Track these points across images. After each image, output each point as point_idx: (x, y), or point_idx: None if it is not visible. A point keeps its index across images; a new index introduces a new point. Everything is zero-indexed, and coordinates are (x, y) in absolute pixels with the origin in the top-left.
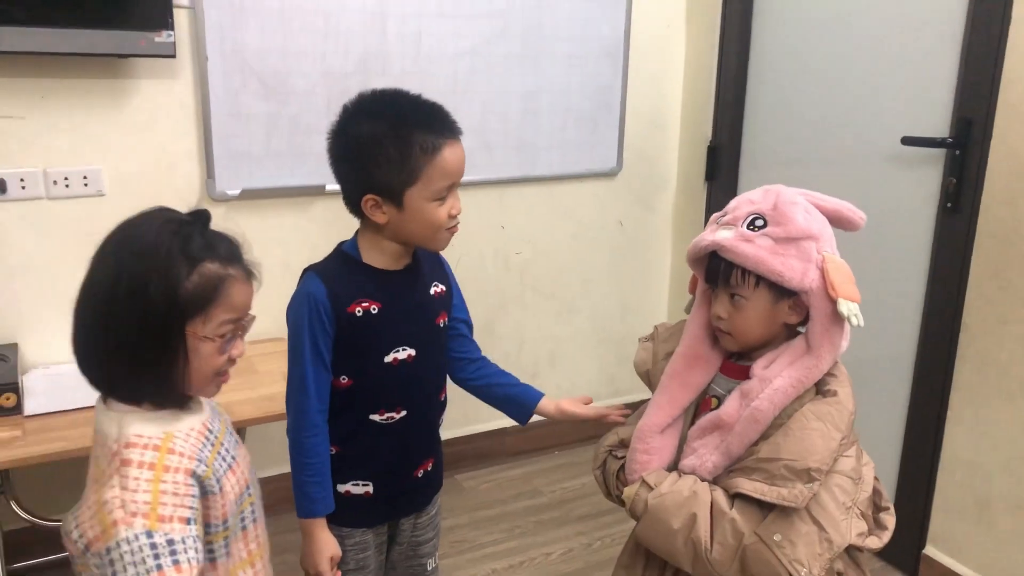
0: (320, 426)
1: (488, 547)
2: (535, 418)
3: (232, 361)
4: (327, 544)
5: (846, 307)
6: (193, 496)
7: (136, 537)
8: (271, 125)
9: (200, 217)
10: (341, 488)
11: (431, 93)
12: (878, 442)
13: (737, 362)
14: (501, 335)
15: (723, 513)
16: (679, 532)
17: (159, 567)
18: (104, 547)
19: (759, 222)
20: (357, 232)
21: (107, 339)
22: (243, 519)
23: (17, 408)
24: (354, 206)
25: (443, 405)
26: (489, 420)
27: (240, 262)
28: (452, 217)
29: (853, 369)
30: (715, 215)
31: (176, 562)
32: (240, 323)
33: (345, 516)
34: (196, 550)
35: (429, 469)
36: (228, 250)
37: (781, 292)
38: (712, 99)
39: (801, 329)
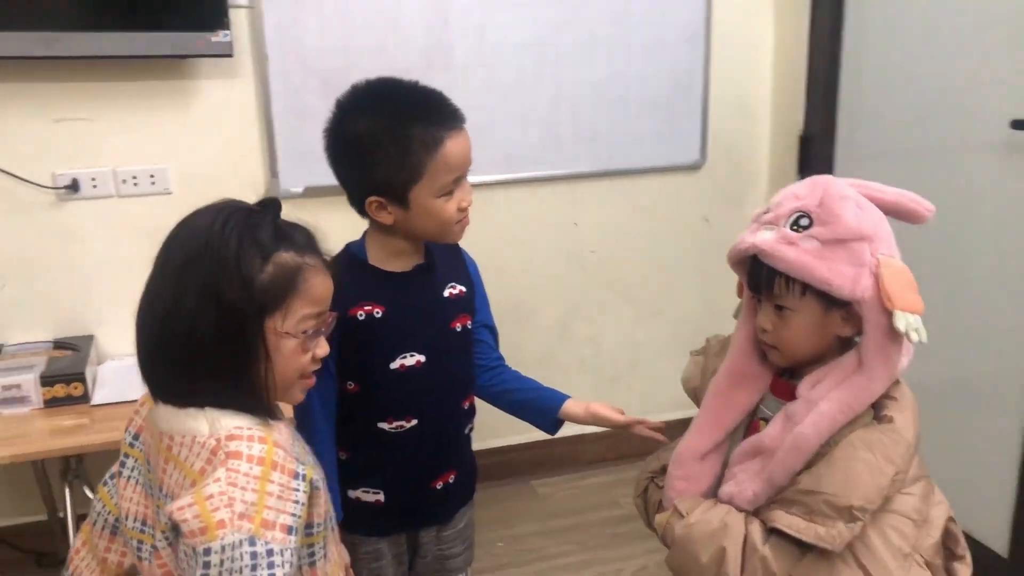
0: (324, 432)
1: (557, 558)
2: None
3: (316, 361)
4: (339, 552)
5: (904, 320)
6: (295, 502)
7: (240, 543)
8: None
9: (270, 206)
10: (352, 494)
11: (496, 86)
12: (986, 481)
13: (790, 380)
14: (576, 338)
15: (755, 549)
16: (707, 568)
17: None
18: (203, 546)
19: (804, 221)
20: (366, 232)
21: (182, 346)
22: (331, 518)
23: (84, 397)
24: (359, 207)
25: (467, 414)
26: (568, 426)
27: (317, 252)
28: (462, 210)
29: (953, 393)
30: (757, 211)
31: None
32: (321, 318)
33: (356, 523)
34: (291, 565)
35: (451, 481)
36: (304, 239)
37: (831, 301)
38: (803, 84)
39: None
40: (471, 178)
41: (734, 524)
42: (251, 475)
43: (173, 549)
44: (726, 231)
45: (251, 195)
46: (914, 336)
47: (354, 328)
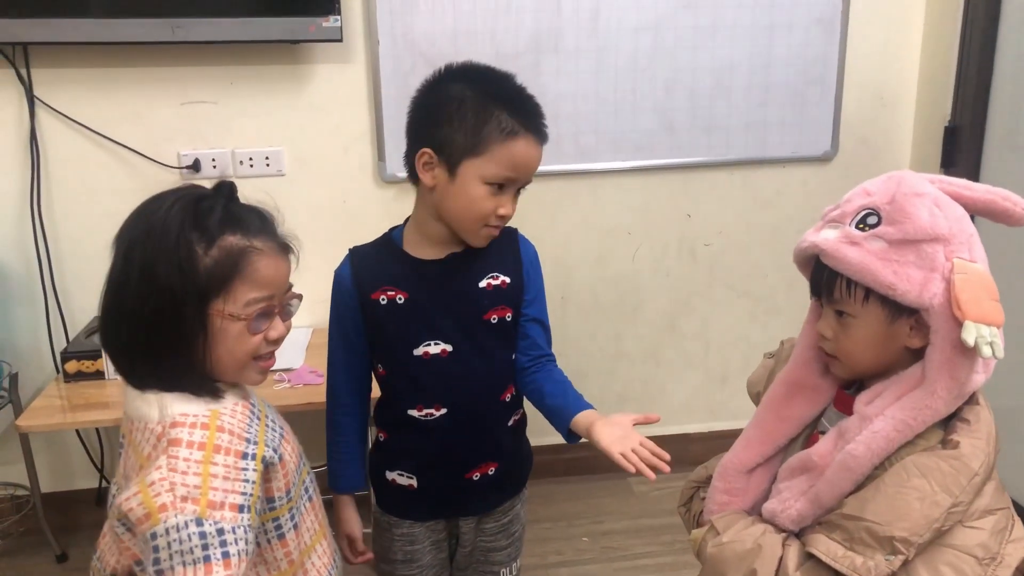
0: (349, 405)
1: (641, 558)
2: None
3: (271, 343)
4: (345, 522)
5: (973, 332)
6: (245, 481)
7: (185, 524)
8: None
9: (222, 190)
10: (388, 475)
11: (609, 71)
12: None
13: (855, 394)
14: (685, 333)
15: (786, 575)
16: None
17: (207, 559)
18: (149, 531)
19: (872, 219)
20: (408, 217)
21: (128, 325)
22: (306, 489)
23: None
24: (411, 163)
25: (508, 407)
26: (672, 423)
27: (270, 235)
28: (499, 216)
29: None
30: (827, 208)
31: (226, 555)
32: (272, 301)
33: (391, 504)
34: (247, 541)
35: (491, 473)
36: (255, 222)
37: (898, 309)
38: (952, 70)
39: None
40: (572, 166)
41: (769, 546)
42: (191, 460)
43: (133, 534)
44: None
45: (360, 178)
46: (986, 351)
47: (375, 312)
